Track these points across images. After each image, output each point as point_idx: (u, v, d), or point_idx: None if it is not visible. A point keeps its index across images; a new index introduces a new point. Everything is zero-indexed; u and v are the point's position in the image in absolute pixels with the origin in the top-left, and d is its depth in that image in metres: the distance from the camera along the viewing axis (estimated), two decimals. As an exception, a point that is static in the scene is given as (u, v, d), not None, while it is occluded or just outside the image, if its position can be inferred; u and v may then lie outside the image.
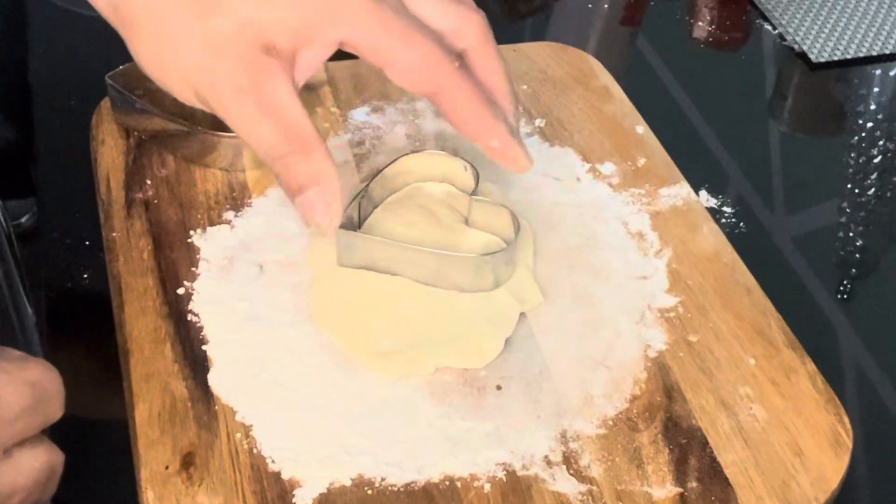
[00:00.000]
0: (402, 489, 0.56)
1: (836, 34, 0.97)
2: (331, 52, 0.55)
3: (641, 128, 0.79)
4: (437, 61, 0.55)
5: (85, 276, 0.70)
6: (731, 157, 0.85)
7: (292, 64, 0.54)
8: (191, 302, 0.65)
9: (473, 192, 0.68)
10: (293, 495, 0.56)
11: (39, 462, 0.47)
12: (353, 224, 0.67)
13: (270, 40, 0.52)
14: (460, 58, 0.57)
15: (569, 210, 0.72)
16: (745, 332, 0.65)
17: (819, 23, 0.98)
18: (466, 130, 0.59)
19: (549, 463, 0.58)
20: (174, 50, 0.53)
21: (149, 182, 0.73)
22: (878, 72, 0.94)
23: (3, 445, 0.45)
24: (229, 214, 0.71)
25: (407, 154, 0.70)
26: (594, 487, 0.57)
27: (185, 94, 0.55)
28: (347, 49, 0.55)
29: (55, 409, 0.48)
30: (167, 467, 0.57)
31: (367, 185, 0.67)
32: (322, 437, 0.58)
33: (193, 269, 0.67)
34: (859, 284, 0.75)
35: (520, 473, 0.57)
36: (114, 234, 0.69)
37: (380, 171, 0.68)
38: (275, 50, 0.53)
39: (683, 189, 0.74)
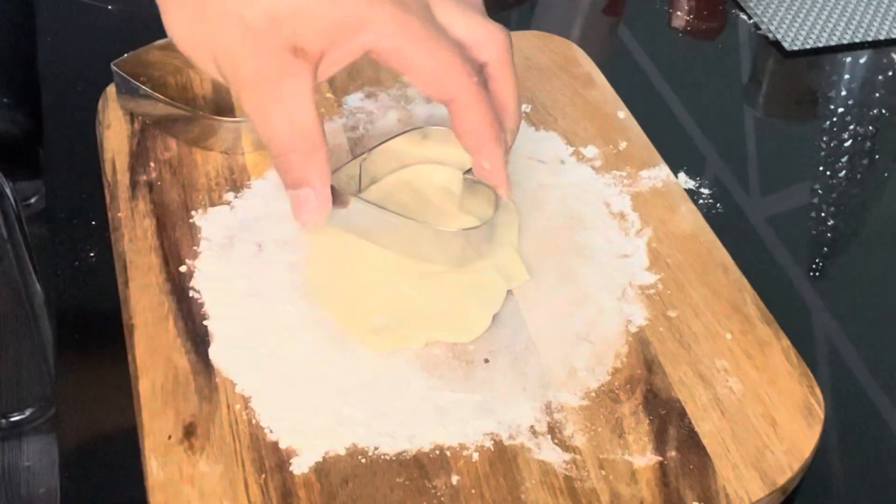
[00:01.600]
0: (393, 458, 0.57)
1: (809, 23, 0.97)
2: (355, 57, 0.56)
3: (623, 113, 0.80)
4: (457, 72, 0.56)
5: (91, 254, 0.70)
6: (709, 141, 0.85)
7: (317, 65, 0.55)
8: (192, 279, 0.66)
9: (468, 172, 0.66)
10: (290, 463, 0.57)
11: None
12: (354, 185, 0.67)
13: (300, 42, 0.53)
14: (480, 73, 0.58)
15: (553, 191, 0.73)
16: (722, 308, 0.66)
17: (792, 12, 0.98)
18: (467, 142, 0.60)
19: (534, 433, 0.59)
20: (207, 32, 0.54)
21: (152, 165, 0.73)
22: (849, 59, 0.94)
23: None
24: (229, 195, 0.71)
25: (412, 129, 0.70)
26: (577, 456, 0.58)
27: (207, 68, 0.56)
28: (372, 56, 0.56)
29: None
30: (170, 437, 0.58)
31: (371, 151, 0.67)
32: (318, 408, 0.59)
33: (195, 247, 0.68)
34: (830, 263, 0.76)
35: (506, 443, 0.58)
36: (119, 215, 0.69)
37: (383, 142, 0.68)
38: (303, 52, 0.53)
39: (663, 171, 0.75)
